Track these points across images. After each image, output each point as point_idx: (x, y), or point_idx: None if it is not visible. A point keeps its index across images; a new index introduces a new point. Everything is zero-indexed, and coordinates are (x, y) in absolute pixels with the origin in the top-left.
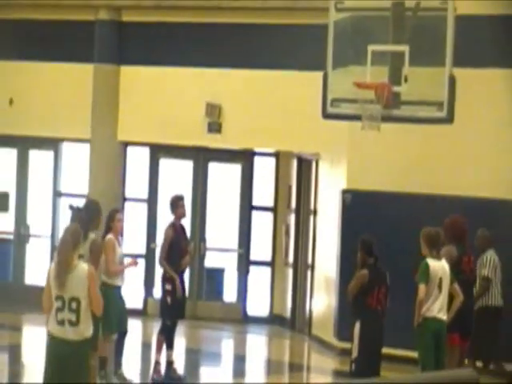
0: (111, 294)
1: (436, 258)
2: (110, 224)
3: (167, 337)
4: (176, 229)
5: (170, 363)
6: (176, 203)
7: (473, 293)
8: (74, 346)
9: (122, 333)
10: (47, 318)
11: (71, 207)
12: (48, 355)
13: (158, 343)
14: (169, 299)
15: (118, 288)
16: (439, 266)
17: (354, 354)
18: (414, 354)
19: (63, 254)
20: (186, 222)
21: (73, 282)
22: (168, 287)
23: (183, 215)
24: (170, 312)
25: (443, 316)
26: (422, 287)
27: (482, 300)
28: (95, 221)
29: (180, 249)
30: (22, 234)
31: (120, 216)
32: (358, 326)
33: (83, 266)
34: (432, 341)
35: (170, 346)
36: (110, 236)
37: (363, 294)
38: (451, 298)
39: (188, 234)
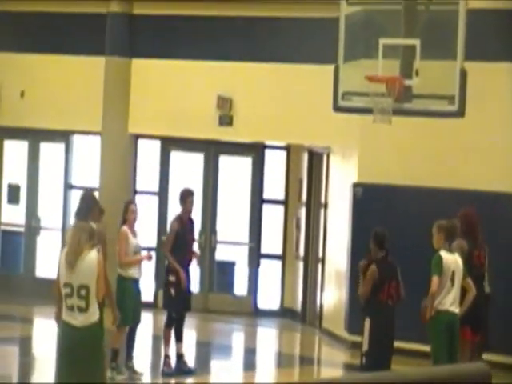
0: (127, 286)
1: (449, 251)
2: (125, 216)
3: (176, 329)
4: (183, 222)
5: (180, 356)
6: (185, 198)
7: (483, 286)
8: (82, 331)
9: (134, 325)
10: (57, 307)
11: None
12: (59, 342)
13: (166, 336)
14: (172, 291)
15: (135, 281)
16: (452, 259)
17: (365, 347)
18: (426, 348)
19: (76, 241)
20: (197, 215)
21: (82, 270)
22: (172, 279)
23: (190, 211)
24: (175, 304)
25: (456, 309)
26: (435, 279)
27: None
28: (93, 211)
29: (185, 242)
30: (32, 226)
31: (133, 207)
32: (368, 320)
33: (93, 254)
34: (445, 334)
35: (180, 339)
36: (124, 227)
37: (374, 288)
38: (464, 291)
39: (198, 226)
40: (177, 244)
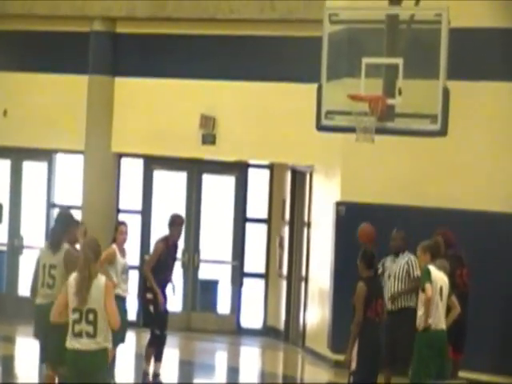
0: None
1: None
2: (115, 235)
3: (157, 349)
4: (168, 244)
5: (156, 375)
6: (174, 224)
7: (466, 307)
8: (91, 355)
9: (118, 343)
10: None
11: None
12: (68, 371)
13: (148, 354)
14: (151, 308)
15: (122, 299)
16: (439, 276)
17: (353, 366)
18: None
19: (87, 269)
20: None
21: (91, 294)
22: (149, 296)
23: (176, 238)
24: (156, 320)
25: (444, 325)
26: (428, 286)
27: (405, 300)
28: (69, 231)
29: (166, 265)
30: (15, 245)
31: (124, 228)
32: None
33: (101, 278)
34: (431, 350)
35: (159, 359)
36: (113, 246)
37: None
38: (448, 309)
39: (182, 245)
40: (157, 265)
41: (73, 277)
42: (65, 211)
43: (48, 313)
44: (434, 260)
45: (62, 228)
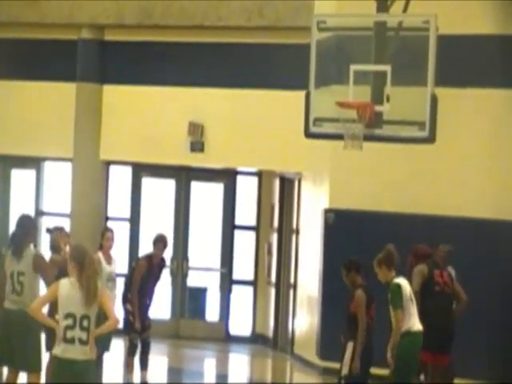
0: (100, 313)
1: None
2: (101, 242)
3: (141, 357)
4: (151, 263)
5: (144, 383)
6: (156, 243)
7: (450, 306)
8: (82, 365)
9: (102, 353)
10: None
11: (48, 230)
12: (57, 378)
13: (129, 364)
14: (131, 318)
15: None
16: (403, 281)
17: (345, 371)
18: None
19: (90, 270)
20: (169, 241)
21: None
22: (129, 308)
23: (157, 257)
24: (134, 329)
25: (420, 327)
26: (399, 313)
27: None
28: (30, 235)
29: (147, 285)
30: (2, 253)
31: (110, 235)
32: (351, 343)
33: None
34: (415, 355)
35: (145, 367)
36: (98, 253)
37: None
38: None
39: (170, 253)
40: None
41: (69, 281)
42: (24, 215)
43: (17, 318)
44: (391, 269)
45: (22, 233)
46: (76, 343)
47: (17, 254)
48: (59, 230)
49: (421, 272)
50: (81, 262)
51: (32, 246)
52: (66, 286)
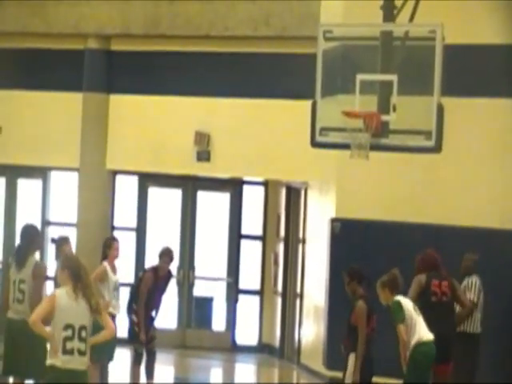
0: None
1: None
2: (106, 251)
3: (146, 366)
4: (157, 276)
5: None
6: (162, 256)
7: (449, 315)
8: (81, 376)
9: (107, 362)
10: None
11: (53, 240)
12: None
13: (134, 373)
14: (136, 328)
15: (112, 316)
16: (404, 300)
17: (348, 381)
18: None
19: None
20: (175, 251)
21: (81, 310)
22: (134, 319)
23: (163, 270)
24: (140, 342)
25: (431, 336)
26: (401, 328)
27: (463, 325)
28: (34, 244)
29: (153, 298)
30: (10, 262)
31: (117, 245)
32: (353, 355)
33: None
34: (427, 365)
35: (151, 376)
36: (104, 263)
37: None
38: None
39: (177, 262)
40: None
41: (65, 290)
42: (28, 225)
43: (19, 328)
44: (394, 293)
45: (27, 242)
46: (75, 354)
47: (20, 264)
48: (64, 239)
49: (418, 282)
50: (77, 272)
51: (36, 254)
52: (64, 297)
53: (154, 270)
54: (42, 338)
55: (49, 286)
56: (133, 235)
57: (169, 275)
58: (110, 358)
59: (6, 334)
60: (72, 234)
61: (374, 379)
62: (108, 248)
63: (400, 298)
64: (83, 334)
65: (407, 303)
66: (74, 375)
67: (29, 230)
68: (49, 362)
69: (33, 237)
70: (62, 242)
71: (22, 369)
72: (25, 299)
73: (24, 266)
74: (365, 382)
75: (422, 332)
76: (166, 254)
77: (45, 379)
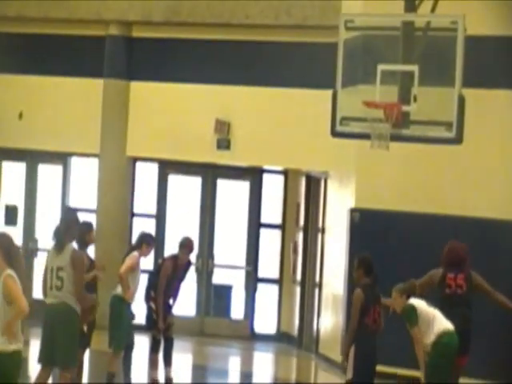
0: (123, 309)
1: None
2: (142, 246)
3: (164, 353)
4: (176, 264)
5: (168, 380)
6: (182, 247)
7: (464, 307)
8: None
9: (129, 348)
10: None
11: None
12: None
13: (152, 361)
14: (155, 316)
15: (129, 304)
16: (414, 300)
17: (349, 375)
18: (410, 373)
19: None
20: (194, 239)
21: None
22: (153, 306)
23: (183, 261)
24: (158, 329)
25: (450, 326)
26: (415, 330)
27: None
28: (71, 231)
29: (171, 288)
30: (30, 247)
31: (152, 247)
32: (353, 346)
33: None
34: (449, 355)
35: (169, 363)
36: (135, 254)
37: (360, 314)
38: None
39: (196, 250)
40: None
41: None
42: (68, 208)
43: (57, 312)
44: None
45: (64, 228)
46: None
47: (58, 248)
48: (88, 225)
49: (430, 274)
50: (8, 251)
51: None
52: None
53: (174, 258)
54: (78, 323)
55: None
56: (152, 222)
57: (188, 264)
58: (130, 343)
59: (45, 320)
60: (92, 220)
61: (381, 368)
62: (147, 245)
63: (413, 300)
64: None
65: (420, 304)
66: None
67: (67, 215)
68: None
69: (71, 222)
70: (88, 228)
71: (57, 356)
72: (63, 286)
73: (61, 252)
74: (368, 375)
75: (443, 324)
76: (186, 245)
77: None
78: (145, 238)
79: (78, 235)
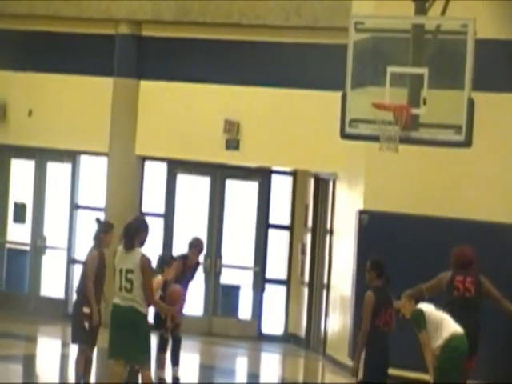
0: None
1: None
2: (164, 268)
3: (172, 353)
4: (185, 265)
5: (175, 379)
6: (192, 247)
7: (471, 310)
8: None
9: None
10: None
11: (98, 221)
12: None
13: (159, 360)
14: (163, 315)
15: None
16: (425, 305)
17: (361, 376)
18: (420, 376)
19: None
20: (203, 239)
21: None
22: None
23: (192, 261)
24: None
25: (459, 329)
26: (424, 335)
27: None
28: (140, 234)
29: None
30: (38, 245)
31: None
32: (364, 348)
33: None
34: (458, 359)
35: (176, 363)
36: (159, 278)
37: (372, 316)
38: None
39: (204, 250)
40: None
41: None
42: (139, 216)
43: (126, 314)
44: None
45: (135, 229)
46: None
47: (127, 250)
48: (108, 225)
49: (439, 277)
50: None
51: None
52: None
53: (183, 259)
54: (147, 324)
55: None
56: (161, 221)
57: (196, 265)
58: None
59: (112, 319)
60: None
61: (391, 371)
62: (168, 266)
63: (421, 305)
64: None
65: (428, 308)
66: None
67: (140, 221)
68: None
69: (141, 227)
70: (106, 228)
71: (126, 353)
72: (133, 288)
73: (130, 253)
74: (380, 374)
75: (452, 327)
76: (196, 245)
77: None
78: (165, 261)
79: (98, 231)
